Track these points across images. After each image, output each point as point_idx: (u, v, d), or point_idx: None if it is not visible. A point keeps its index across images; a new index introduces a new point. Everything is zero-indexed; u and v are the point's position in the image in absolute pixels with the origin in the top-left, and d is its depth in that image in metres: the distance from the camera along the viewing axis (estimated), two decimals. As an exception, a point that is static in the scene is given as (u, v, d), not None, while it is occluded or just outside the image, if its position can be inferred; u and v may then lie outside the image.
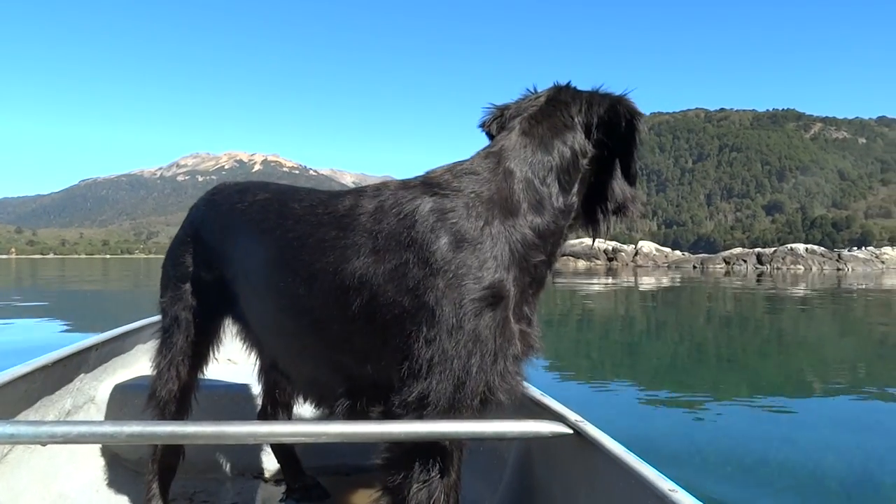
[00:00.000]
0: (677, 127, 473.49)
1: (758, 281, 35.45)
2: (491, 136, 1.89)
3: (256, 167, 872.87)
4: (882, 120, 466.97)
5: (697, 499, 1.35)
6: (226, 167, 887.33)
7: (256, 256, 1.97)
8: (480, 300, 1.54)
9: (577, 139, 1.76)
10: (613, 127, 1.74)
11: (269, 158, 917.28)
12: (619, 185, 1.83)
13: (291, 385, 2.21)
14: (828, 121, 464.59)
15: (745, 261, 65.51)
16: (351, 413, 1.78)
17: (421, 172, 1.79)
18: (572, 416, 1.91)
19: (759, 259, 65.37)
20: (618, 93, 1.78)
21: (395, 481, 1.60)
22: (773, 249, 68.78)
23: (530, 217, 1.68)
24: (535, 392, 2.21)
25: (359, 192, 1.81)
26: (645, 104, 1.80)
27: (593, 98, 1.78)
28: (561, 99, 1.81)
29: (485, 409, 1.62)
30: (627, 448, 1.65)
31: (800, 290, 25.15)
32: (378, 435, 1.57)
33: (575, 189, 1.77)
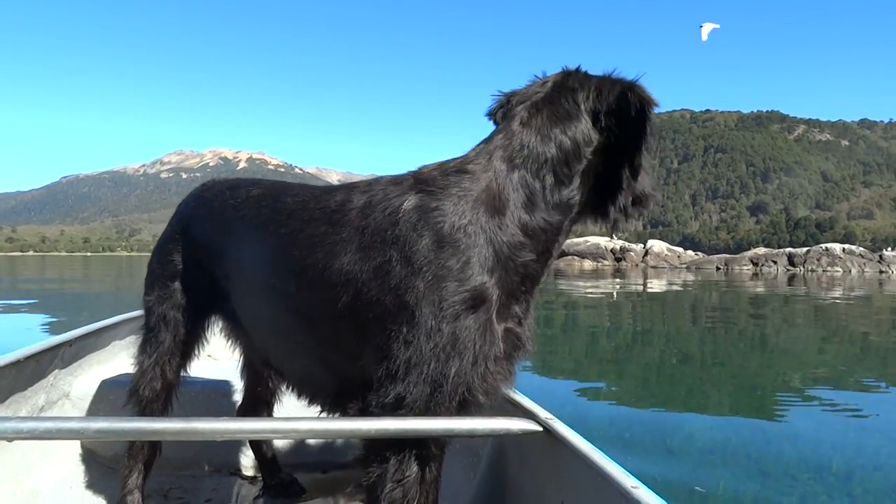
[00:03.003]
0: (663, 127, 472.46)
1: (789, 283, 32.56)
2: (497, 125, 1.80)
3: (241, 165, 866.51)
4: (864, 123, 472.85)
5: (659, 496, 1.35)
6: (210, 164, 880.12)
7: (249, 253, 1.94)
8: (460, 303, 1.51)
9: (581, 128, 1.65)
10: (623, 115, 1.62)
11: (255, 156, 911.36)
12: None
13: (285, 382, 2.18)
14: (811, 123, 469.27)
15: (774, 262, 60.83)
16: (344, 411, 1.76)
17: (408, 170, 1.73)
18: (543, 413, 1.90)
19: (791, 260, 60.50)
20: (630, 78, 1.67)
21: (369, 479, 1.58)
22: (806, 249, 63.28)
23: (518, 214, 1.60)
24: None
25: (350, 187, 1.79)
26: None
27: (603, 83, 1.67)
28: (568, 85, 1.70)
29: (464, 410, 1.59)
30: (595, 445, 1.64)
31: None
32: (349, 432, 1.56)
33: (576, 182, 1.66)
